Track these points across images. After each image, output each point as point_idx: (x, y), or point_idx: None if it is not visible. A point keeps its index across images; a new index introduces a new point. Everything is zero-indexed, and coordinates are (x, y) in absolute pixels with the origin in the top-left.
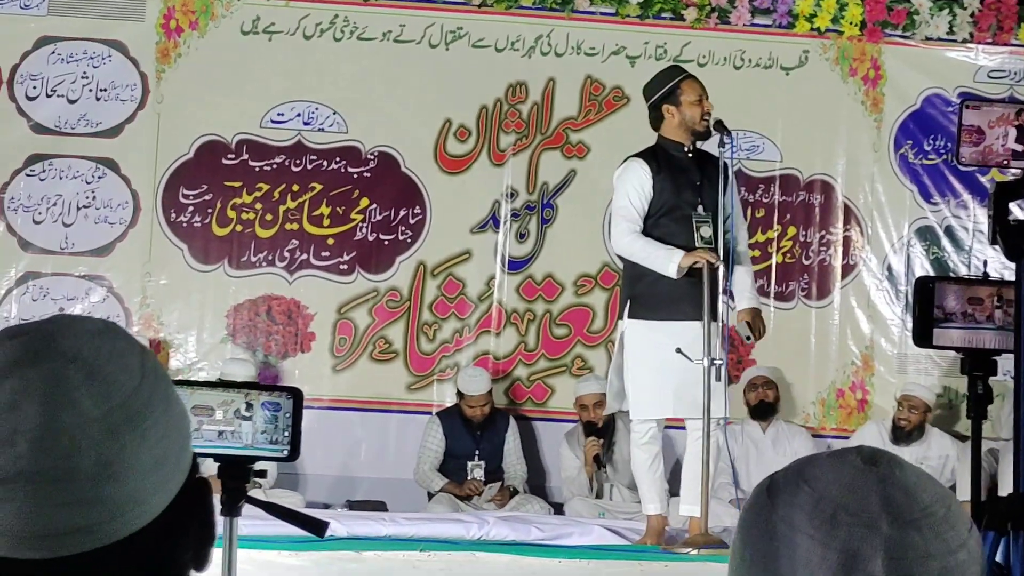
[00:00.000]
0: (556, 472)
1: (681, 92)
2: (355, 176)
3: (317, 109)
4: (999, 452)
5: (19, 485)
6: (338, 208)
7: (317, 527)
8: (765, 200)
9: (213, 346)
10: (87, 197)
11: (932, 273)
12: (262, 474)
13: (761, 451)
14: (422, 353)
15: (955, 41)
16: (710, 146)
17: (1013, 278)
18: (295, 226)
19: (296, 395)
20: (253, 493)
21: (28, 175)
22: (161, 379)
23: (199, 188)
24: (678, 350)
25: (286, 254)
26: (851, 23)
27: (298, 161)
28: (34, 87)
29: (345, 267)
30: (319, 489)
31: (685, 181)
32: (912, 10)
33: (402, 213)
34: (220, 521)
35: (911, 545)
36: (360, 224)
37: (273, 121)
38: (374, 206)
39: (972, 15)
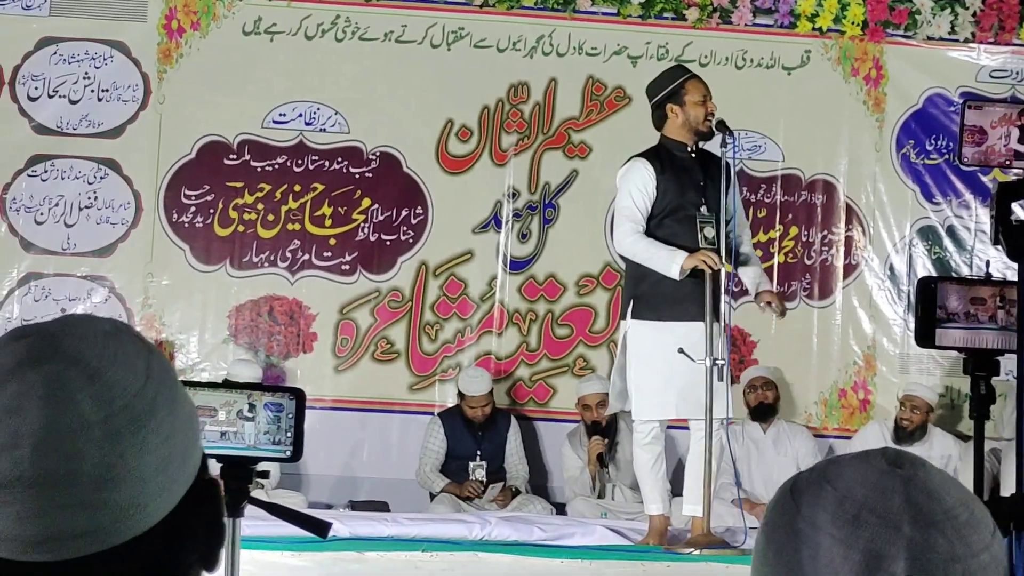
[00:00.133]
0: (558, 472)
1: (685, 92)
2: (357, 176)
3: (319, 109)
4: (1001, 452)
5: (21, 489)
6: (340, 208)
7: (319, 528)
8: (767, 200)
9: (215, 346)
10: (89, 197)
11: (934, 273)
12: (265, 475)
13: (762, 451)
14: (424, 353)
15: (957, 41)
16: (712, 146)
17: (1015, 278)
18: (297, 226)
19: (299, 396)
20: (256, 494)
21: (30, 176)
22: (168, 380)
23: (201, 188)
24: (680, 350)
25: (288, 254)
26: (853, 23)
27: (300, 161)
28: (36, 88)
29: (347, 267)
30: (321, 490)
31: (689, 181)
32: (914, 10)
33: (404, 213)
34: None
35: (934, 547)
36: (362, 224)
37: (275, 121)
38: (376, 206)
39: (974, 15)
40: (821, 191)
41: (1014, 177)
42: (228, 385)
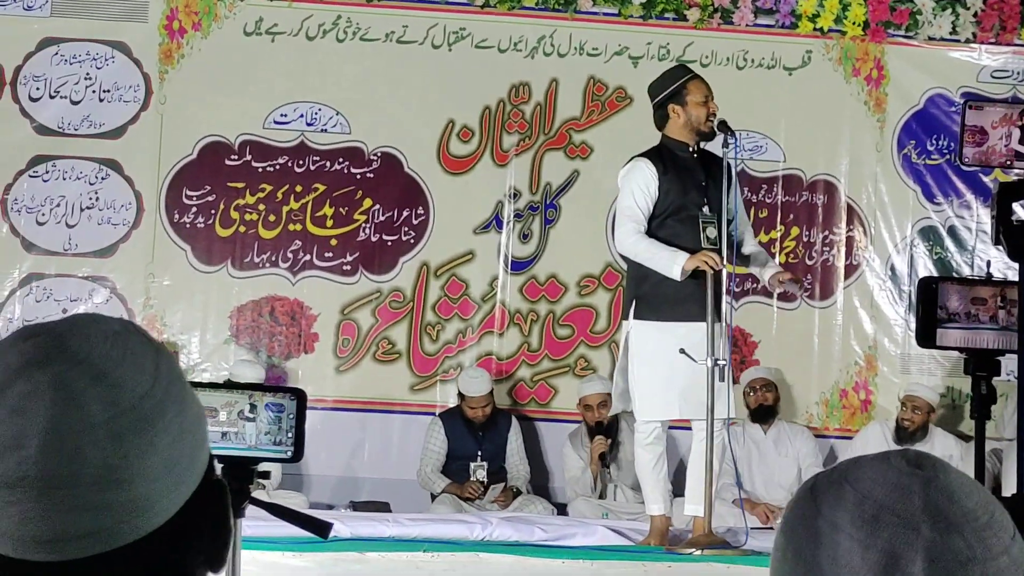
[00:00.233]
0: (559, 473)
1: (687, 92)
2: (358, 177)
3: (320, 110)
4: (1002, 452)
5: (26, 489)
6: (341, 209)
7: (321, 528)
8: (768, 200)
9: (216, 347)
10: (90, 198)
11: (935, 273)
12: (266, 475)
13: (763, 452)
14: (425, 354)
15: (958, 41)
16: (713, 146)
17: (1016, 278)
18: (298, 227)
19: (300, 396)
20: (257, 494)
21: (31, 176)
22: (176, 381)
23: (202, 189)
24: (682, 350)
25: (289, 255)
26: (854, 23)
27: (301, 162)
28: (37, 88)
29: (348, 268)
30: (323, 490)
31: (691, 181)
32: (915, 10)
33: (405, 214)
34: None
35: (952, 549)
36: (363, 225)
37: (276, 122)
38: (377, 207)
39: (975, 15)
40: (822, 191)
41: (1015, 177)
42: (229, 386)
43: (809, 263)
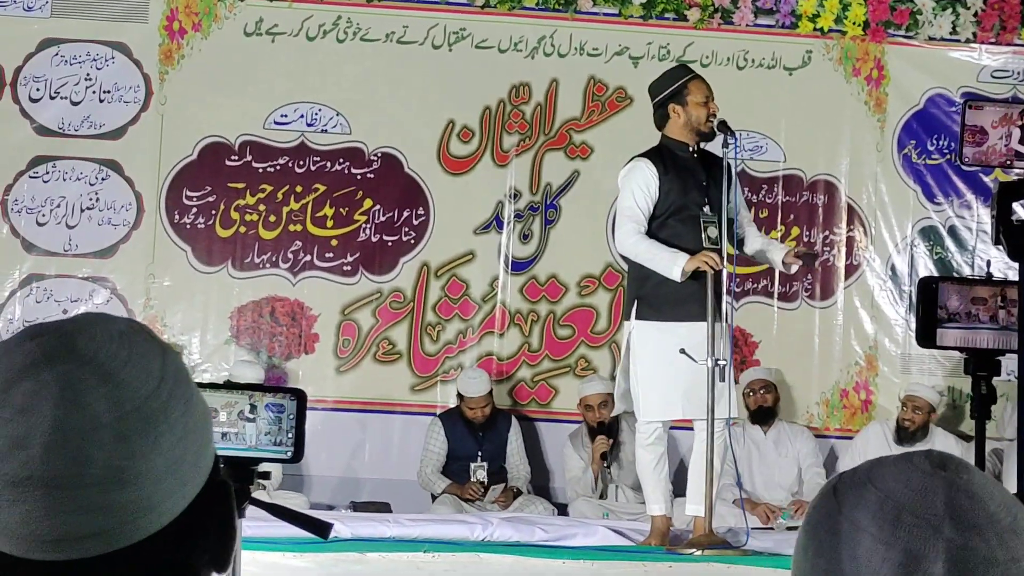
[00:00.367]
0: (560, 473)
1: (688, 92)
2: (358, 177)
3: (320, 110)
4: (1003, 452)
5: (31, 488)
6: (341, 209)
7: (321, 529)
8: (768, 200)
9: (217, 347)
10: (90, 199)
11: (935, 273)
12: (266, 475)
13: (763, 453)
14: (426, 354)
15: (958, 41)
16: (713, 146)
17: (1016, 278)
18: (298, 227)
19: (300, 397)
20: (257, 495)
21: (32, 177)
22: (182, 382)
23: (202, 190)
24: (682, 351)
25: (289, 255)
26: (854, 23)
27: (301, 162)
28: (37, 89)
29: (348, 268)
30: (323, 490)
31: (692, 181)
32: (915, 10)
33: (405, 214)
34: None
35: (973, 550)
36: (363, 225)
37: (276, 122)
38: (377, 207)
39: (975, 15)
40: (822, 191)
41: (1015, 177)
42: (229, 386)
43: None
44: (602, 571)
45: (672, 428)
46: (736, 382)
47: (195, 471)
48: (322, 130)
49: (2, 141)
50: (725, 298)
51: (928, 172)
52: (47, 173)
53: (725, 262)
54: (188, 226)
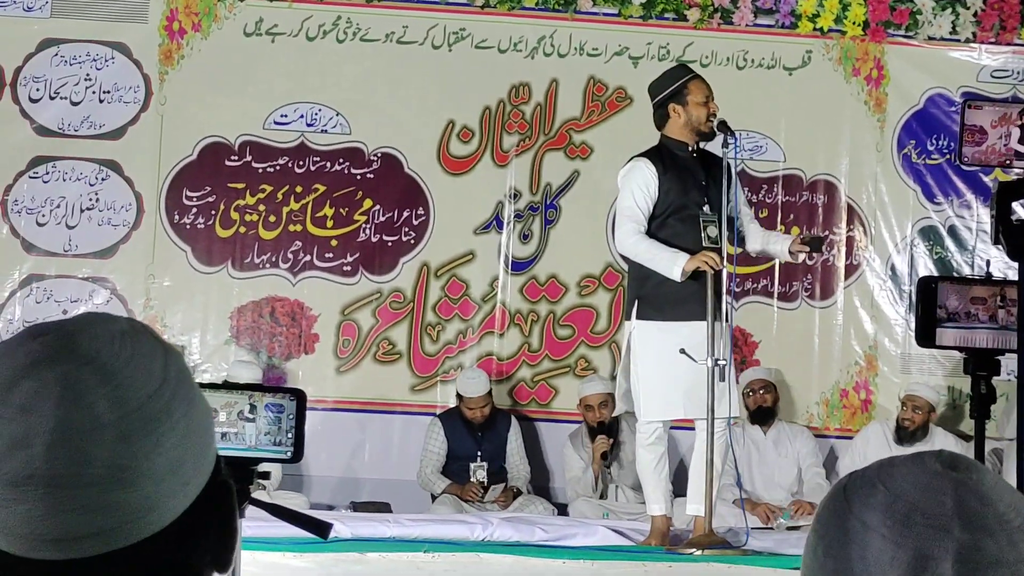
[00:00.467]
0: (560, 473)
1: (688, 92)
2: (358, 177)
3: (320, 110)
4: (1003, 452)
5: (32, 488)
6: (341, 209)
7: (321, 529)
8: (768, 200)
9: (217, 348)
10: (90, 199)
11: (935, 273)
12: (266, 476)
13: (763, 453)
14: (426, 354)
15: (958, 41)
16: (713, 146)
17: (1016, 278)
18: (298, 227)
19: (300, 397)
20: (257, 495)
21: (31, 177)
22: (184, 382)
23: (202, 190)
24: (682, 351)
25: (289, 255)
26: (854, 23)
27: (301, 162)
28: (37, 89)
29: (348, 268)
30: (323, 491)
31: (691, 181)
32: (915, 10)
33: (405, 214)
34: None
35: (982, 551)
36: (363, 225)
37: (276, 123)
38: (377, 207)
39: (975, 15)
40: (822, 191)
41: (1015, 176)
42: (229, 386)
43: (809, 263)
44: (602, 571)
45: (672, 428)
46: (736, 382)
47: (196, 471)
48: (322, 130)
49: (2, 141)
50: (725, 298)
51: (928, 172)
52: (47, 173)
53: (725, 262)
54: (188, 226)
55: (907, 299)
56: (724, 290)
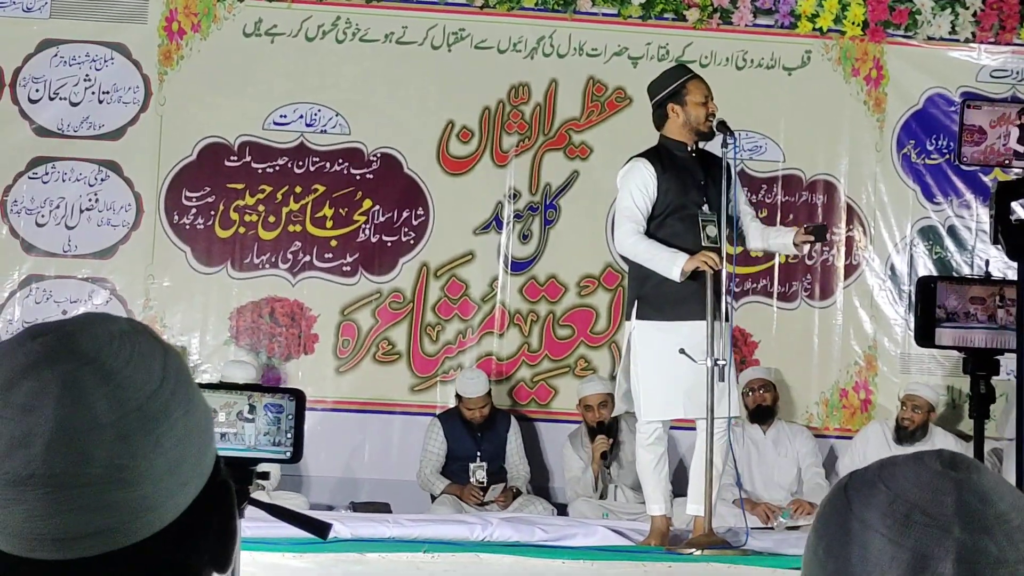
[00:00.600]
0: (560, 473)
1: (687, 92)
2: (358, 178)
3: (320, 111)
4: (1002, 452)
5: (32, 487)
6: (341, 210)
7: (320, 529)
8: (768, 200)
9: (216, 348)
10: (90, 200)
11: (935, 273)
12: (265, 476)
13: (762, 452)
14: (425, 354)
15: (957, 41)
16: (712, 146)
17: (1015, 277)
18: (298, 228)
19: (299, 397)
20: (256, 495)
21: (31, 178)
22: (184, 382)
23: (202, 190)
24: (682, 350)
25: (289, 256)
26: (853, 23)
27: (301, 163)
28: (36, 90)
29: (348, 269)
30: (323, 491)
31: (690, 180)
32: (914, 10)
33: (405, 214)
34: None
35: (983, 551)
36: (363, 226)
37: (276, 123)
38: (377, 207)
39: (974, 15)
40: (822, 191)
41: (1014, 176)
42: (228, 386)
43: (809, 263)
44: (602, 571)
45: (672, 428)
46: (736, 382)
47: (196, 471)
48: (321, 131)
49: (1, 142)
50: (725, 298)
51: (927, 172)
52: (46, 174)
53: (724, 262)
54: (187, 227)
55: (906, 299)
56: (724, 290)
